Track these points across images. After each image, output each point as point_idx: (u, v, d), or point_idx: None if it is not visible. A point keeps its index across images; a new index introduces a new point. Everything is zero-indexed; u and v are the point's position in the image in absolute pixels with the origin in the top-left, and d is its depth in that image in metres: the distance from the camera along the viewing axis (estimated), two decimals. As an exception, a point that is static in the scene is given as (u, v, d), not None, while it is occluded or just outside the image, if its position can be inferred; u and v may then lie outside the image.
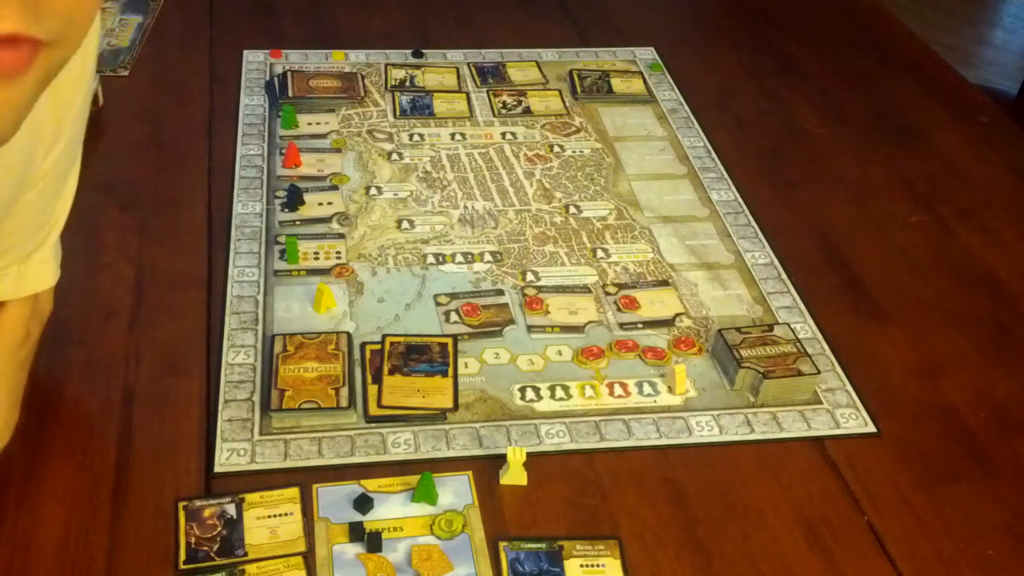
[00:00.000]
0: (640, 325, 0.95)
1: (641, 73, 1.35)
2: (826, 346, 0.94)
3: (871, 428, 0.87)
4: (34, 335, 0.78)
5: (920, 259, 1.08)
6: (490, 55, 1.36)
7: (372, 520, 0.74)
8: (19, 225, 0.72)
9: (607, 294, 0.98)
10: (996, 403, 0.91)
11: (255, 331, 0.90)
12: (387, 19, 1.45)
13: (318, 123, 1.19)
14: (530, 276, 1.00)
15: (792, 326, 0.93)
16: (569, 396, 0.87)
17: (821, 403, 0.88)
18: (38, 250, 0.77)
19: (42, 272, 0.78)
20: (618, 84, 1.32)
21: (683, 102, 1.30)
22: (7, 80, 0.45)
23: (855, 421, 0.87)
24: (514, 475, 0.78)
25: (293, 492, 0.76)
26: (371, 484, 0.77)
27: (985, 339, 0.98)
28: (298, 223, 1.04)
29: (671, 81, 1.35)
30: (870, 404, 0.89)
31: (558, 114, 1.25)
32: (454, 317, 0.94)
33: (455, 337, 0.91)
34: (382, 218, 1.06)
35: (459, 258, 1.01)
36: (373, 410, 0.83)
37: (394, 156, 1.15)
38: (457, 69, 1.32)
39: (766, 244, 1.07)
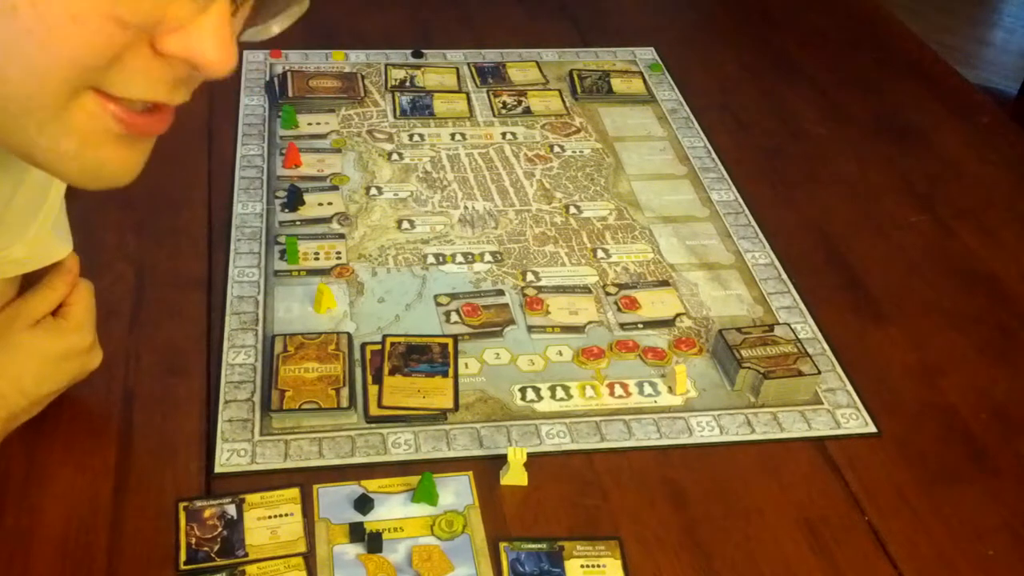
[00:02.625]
0: (640, 325, 0.95)
1: (641, 73, 1.35)
2: (826, 346, 0.94)
3: (871, 428, 0.87)
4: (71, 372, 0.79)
5: (920, 259, 1.08)
6: (490, 55, 1.36)
7: (373, 520, 0.74)
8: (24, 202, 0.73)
9: (607, 294, 0.98)
10: (996, 403, 0.91)
11: (255, 331, 0.90)
12: (387, 19, 1.44)
13: (318, 123, 1.19)
14: (530, 276, 1.00)
15: (792, 326, 0.93)
16: (569, 396, 0.87)
17: (822, 403, 0.88)
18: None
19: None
20: (618, 84, 1.32)
21: (683, 102, 1.30)
22: (153, 137, 0.53)
23: (855, 421, 0.87)
24: (515, 475, 0.78)
25: (293, 492, 0.76)
26: (371, 484, 0.77)
27: (985, 339, 0.98)
28: (298, 223, 1.04)
29: (671, 81, 1.35)
30: (870, 404, 0.89)
31: (558, 114, 1.25)
32: (454, 317, 0.94)
33: (455, 337, 0.91)
34: (382, 218, 1.06)
35: (459, 258, 1.01)
36: (373, 410, 0.83)
37: (394, 156, 1.15)
38: (457, 69, 1.32)
39: (766, 244, 1.07)
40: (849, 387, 0.90)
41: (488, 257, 1.02)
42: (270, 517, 0.74)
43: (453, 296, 0.96)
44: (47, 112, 0.49)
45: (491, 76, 1.32)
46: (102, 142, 0.51)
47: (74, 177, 0.54)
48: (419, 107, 1.24)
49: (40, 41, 0.45)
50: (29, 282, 0.79)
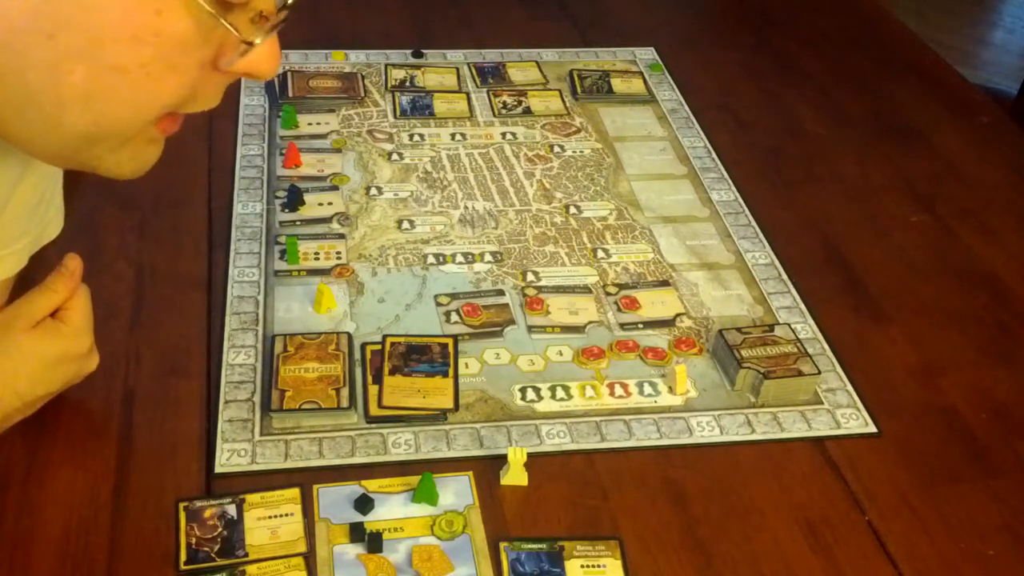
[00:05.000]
0: (641, 325, 0.95)
1: (641, 73, 1.35)
2: (826, 346, 0.94)
3: (872, 428, 0.87)
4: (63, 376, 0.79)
5: (920, 259, 1.08)
6: (490, 55, 1.36)
7: (373, 520, 0.74)
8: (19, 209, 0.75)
9: (607, 294, 0.98)
10: (997, 403, 0.91)
11: (255, 331, 0.90)
12: (387, 19, 1.45)
13: (318, 123, 1.19)
14: (530, 276, 1.00)
15: (792, 326, 0.93)
16: (570, 396, 0.87)
17: (822, 403, 0.88)
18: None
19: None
20: (618, 84, 1.32)
21: (683, 102, 1.30)
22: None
23: (856, 421, 0.87)
24: (515, 475, 0.78)
25: (294, 492, 0.76)
26: (372, 484, 0.77)
27: (985, 339, 0.98)
28: (298, 223, 1.04)
29: (671, 81, 1.35)
30: (871, 404, 0.89)
31: (558, 114, 1.25)
32: (454, 317, 0.94)
33: (455, 337, 0.91)
34: (382, 218, 1.06)
35: (459, 258, 1.01)
36: (374, 410, 0.83)
37: (394, 156, 1.15)
38: (457, 69, 1.32)
39: (766, 244, 1.07)
40: (849, 387, 0.90)
41: (488, 257, 1.02)
42: (270, 517, 0.74)
43: (453, 296, 0.96)
44: (124, 139, 0.58)
45: (491, 76, 1.32)
46: (147, 146, 0.61)
47: (123, 175, 0.62)
48: (419, 107, 1.24)
49: (143, 90, 0.54)
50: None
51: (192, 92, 0.57)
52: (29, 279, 0.81)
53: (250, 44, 0.55)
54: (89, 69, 0.53)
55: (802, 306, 0.99)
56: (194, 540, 0.72)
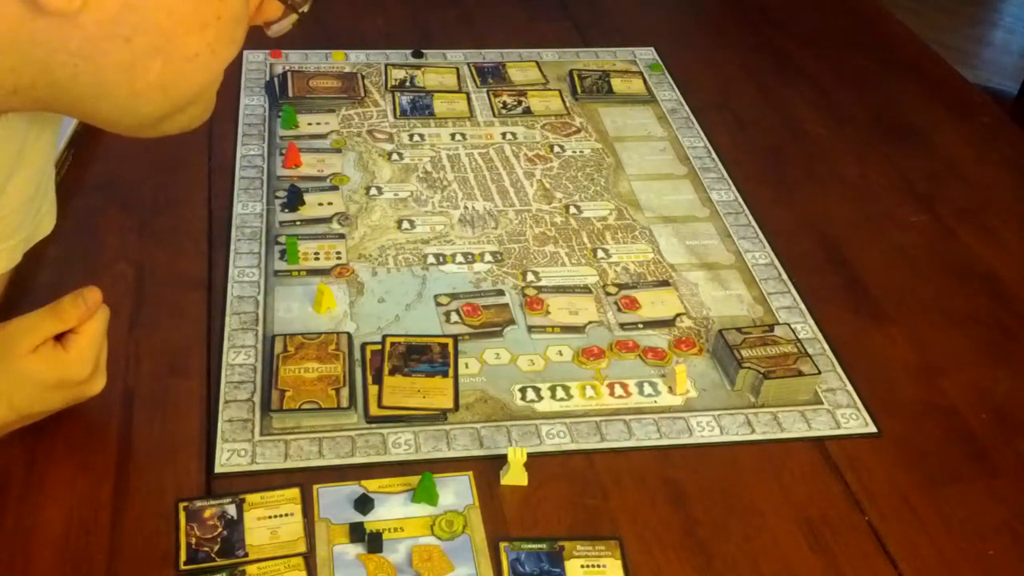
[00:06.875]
0: (640, 325, 0.95)
1: (641, 73, 1.35)
2: (826, 346, 0.94)
3: (872, 428, 0.87)
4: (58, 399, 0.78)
5: (920, 259, 1.08)
6: (490, 55, 1.36)
7: (373, 520, 0.74)
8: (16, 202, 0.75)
9: (607, 294, 0.98)
10: (997, 403, 0.91)
11: (255, 331, 0.90)
12: (387, 19, 1.45)
13: (318, 123, 1.19)
14: (530, 276, 1.00)
15: (792, 326, 0.93)
16: (570, 396, 0.87)
17: (822, 403, 0.88)
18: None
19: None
20: (618, 84, 1.32)
21: (683, 102, 1.30)
22: None
23: (856, 421, 0.87)
24: (515, 475, 0.78)
25: (294, 492, 0.76)
26: (372, 484, 0.77)
27: (985, 339, 0.98)
28: (298, 223, 1.04)
29: (671, 81, 1.34)
30: (871, 404, 0.89)
31: (558, 114, 1.25)
32: (454, 317, 0.94)
33: (455, 337, 0.91)
34: (382, 218, 1.06)
35: (459, 258, 1.01)
36: (374, 410, 0.83)
37: (394, 156, 1.15)
38: (457, 69, 1.32)
39: (766, 244, 1.07)
40: (849, 387, 0.90)
41: (488, 257, 1.02)
42: (270, 517, 0.74)
43: (453, 296, 0.96)
44: (193, 103, 0.64)
45: (491, 76, 1.32)
46: (212, 96, 0.66)
47: (194, 126, 0.67)
48: (419, 107, 1.24)
49: (211, 66, 0.61)
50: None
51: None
52: (25, 276, 0.81)
53: (296, 10, 0.64)
54: (164, 63, 0.58)
55: (802, 306, 0.99)
56: (194, 540, 0.72)
